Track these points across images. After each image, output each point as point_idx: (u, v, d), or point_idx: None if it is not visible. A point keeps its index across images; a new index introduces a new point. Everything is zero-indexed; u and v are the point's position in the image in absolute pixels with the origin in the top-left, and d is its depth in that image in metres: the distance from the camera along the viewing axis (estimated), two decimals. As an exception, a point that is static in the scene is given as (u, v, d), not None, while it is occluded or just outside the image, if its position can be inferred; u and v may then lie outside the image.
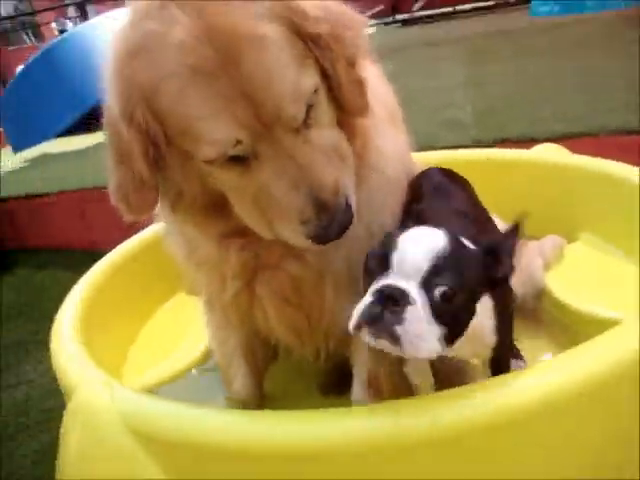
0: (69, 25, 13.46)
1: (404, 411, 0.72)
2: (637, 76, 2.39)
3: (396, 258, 0.69)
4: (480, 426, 0.70)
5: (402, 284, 0.67)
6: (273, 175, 0.77)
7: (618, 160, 1.42)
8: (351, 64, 0.84)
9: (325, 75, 0.82)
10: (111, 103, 0.81)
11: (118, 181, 0.85)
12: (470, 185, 1.13)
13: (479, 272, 0.73)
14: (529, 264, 1.36)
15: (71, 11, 14.96)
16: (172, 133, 0.79)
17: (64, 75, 4.25)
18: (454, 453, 0.72)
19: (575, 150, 1.59)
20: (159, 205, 0.91)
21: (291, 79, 0.75)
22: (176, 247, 1.07)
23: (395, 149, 1.03)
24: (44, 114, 4.30)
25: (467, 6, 10.42)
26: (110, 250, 1.55)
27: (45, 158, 3.55)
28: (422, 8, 11.81)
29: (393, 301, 0.66)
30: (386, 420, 0.71)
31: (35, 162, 3.50)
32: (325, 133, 0.82)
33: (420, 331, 0.66)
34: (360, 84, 0.86)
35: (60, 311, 1.24)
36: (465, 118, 2.32)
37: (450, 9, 10.53)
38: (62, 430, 0.93)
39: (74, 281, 1.29)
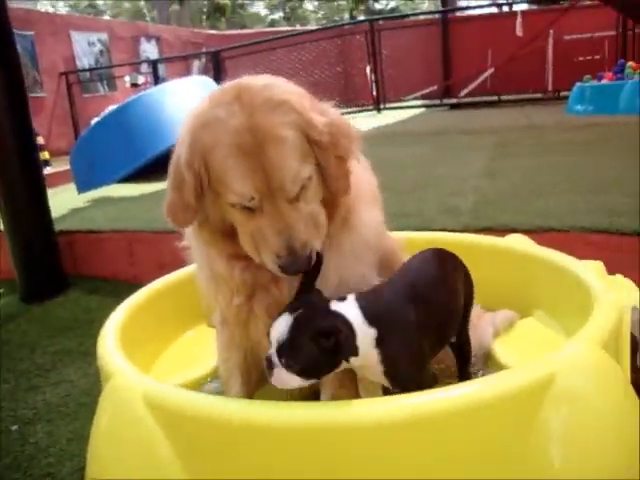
0: (140, 79, 14.56)
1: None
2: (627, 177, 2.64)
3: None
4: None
5: (271, 354, 1.12)
6: (267, 223, 1.17)
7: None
8: (343, 160, 1.26)
9: (320, 167, 1.24)
10: (180, 152, 1.23)
11: (172, 201, 1.27)
12: (459, 267, 1.43)
13: (313, 351, 1.08)
14: (481, 331, 1.66)
15: (144, 67, 16.17)
16: (213, 180, 1.21)
17: (132, 130, 4.86)
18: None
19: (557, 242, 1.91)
20: (192, 228, 1.33)
21: (294, 169, 1.17)
22: (200, 271, 1.45)
23: (372, 220, 1.42)
24: (109, 162, 4.90)
25: (511, 97, 10.93)
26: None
27: (104, 200, 4.05)
28: (470, 94, 12.40)
29: (268, 361, 1.13)
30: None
31: (96, 202, 4.00)
32: (309, 207, 1.22)
33: (282, 379, 1.12)
34: (346, 175, 1.27)
35: (104, 327, 1.57)
36: (464, 206, 2.65)
37: (495, 98, 11.06)
38: (97, 410, 1.26)
39: (114, 306, 1.63)
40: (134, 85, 13.99)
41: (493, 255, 1.90)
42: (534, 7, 15.91)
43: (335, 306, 1.16)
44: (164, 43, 18.00)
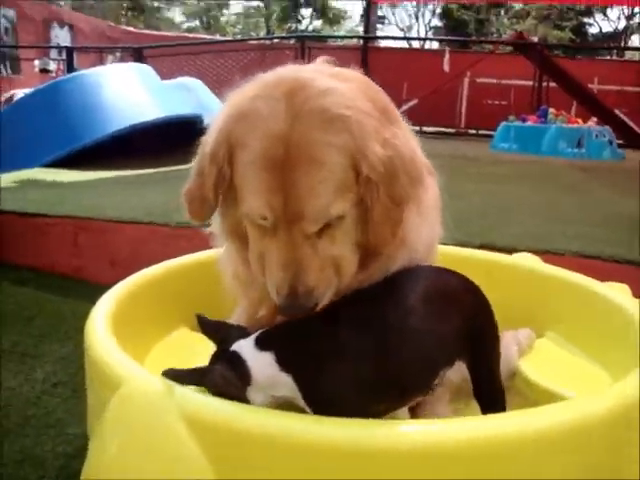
0: (52, 65, 13.63)
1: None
2: (583, 210, 2.75)
3: None
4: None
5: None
6: (275, 249, 0.98)
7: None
8: (395, 204, 1.03)
9: (364, 207, 1.01)
10: (209, 140, 1.05)
11: (192, 187, 1.10)
12: (457, 302, 1.11)
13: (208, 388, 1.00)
14: (505, 350, 1.56)
15: (54, 53, 15.19)
16: (234, 180, 1.02)
17: (66, 112, 4.40)
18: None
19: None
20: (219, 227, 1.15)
21: (323, 203, 0.96)
22: (227, 264, 1.27)
23: (428, 234, 1.21)
24: (36, 143, 4.38)
25: (432, 129, 11.35)
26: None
27: (36, 183, 3.59)
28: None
29: None
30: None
31: (25, 185, 3.54)
32: (335, 247, 1.00)
33: None
34: (396, 223, 1.04)
35: (93, 324, 1.31)
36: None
37: (417, 128, 11.44)
38: (107, 415, 1.00)
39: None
40: (44, 71, 13.09)
41: (506, 274, 1.82)
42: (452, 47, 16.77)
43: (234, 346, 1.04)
44: (78, 32, 17.06)
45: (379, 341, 0.99)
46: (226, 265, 1.28)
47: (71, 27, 16.93)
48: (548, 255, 2.12)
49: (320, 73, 1.06)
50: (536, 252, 2.13)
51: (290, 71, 1.07)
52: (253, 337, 1.03)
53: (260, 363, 1.00)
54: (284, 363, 0.99)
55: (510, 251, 2.03)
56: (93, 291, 2.31)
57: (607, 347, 1.51)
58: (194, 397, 0.97)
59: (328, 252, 0.99)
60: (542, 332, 1.72)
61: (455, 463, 0.86)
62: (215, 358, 1.05)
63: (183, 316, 1.69)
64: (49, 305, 2.25)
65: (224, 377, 1.00)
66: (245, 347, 1.02)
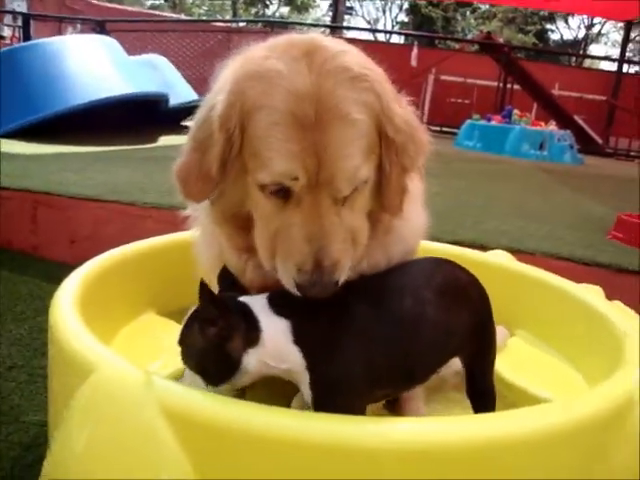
0: (6, 31, 13.04)
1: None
2: (552, 211, 2.78)
3: None
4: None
5: None
6: (299, 221, 0.92)
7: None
8: (404, 171, 1.01)
9: (380, 171, 0.99)
10: (214, 103, 0.96)
11: (186, 164, 1.00)
12: (463, 296, 1.10)
13: (199, 343, 0.94)
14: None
15: (7, 18, 14.54)
16: (246, 149, 0.94)
17: (26, 81, 4.17)
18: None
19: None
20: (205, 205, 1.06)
21: (355, 163, 0.92)
22: (205, 247, 1.19)
23: (420, 223, 1.21)
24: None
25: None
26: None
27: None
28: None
29: None
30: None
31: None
32: (354, 217, 0.97)
33: (191, 379, 1.00)
34: (403, 191, 1.02)
35: (59, 304, 1.21)
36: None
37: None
38: (75, 405, 0.93)
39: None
40: (-1, 37, 12.48)
41: (479, 270, 1.80)
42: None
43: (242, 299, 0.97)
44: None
45: (394, 328, 0.97)
46: (204, 251, 1.21)
47: (29, -7, 16.21)
48: (520, 254, 2.14)
49: (328, 38, 1.01)
50: (508, 250, 2.14)
51: (298, 35, 1.01)
52: (265, 296, 0.97)
53: (274, 328, 0.94)
54: (299, 335, 0.93)
55: (483, 248, 2.03)
56: (51, 270, 2.23)
57: (579, 347, 1.52)
58: (175, 389, 0.91)
59: (350, 222, 0.95)
60: (514, 330, 1.73)
61: (442, 463, 0.83)
62: (218, 304, 0.94)
63: (151, 299, 1.63)
64: (4, 283, 2.12)
65: (231, 326, 0.92)
66: (258, 306, 0.95)
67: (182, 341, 0.98)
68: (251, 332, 0.93)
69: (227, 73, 0.98)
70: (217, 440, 0.84)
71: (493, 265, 1.82)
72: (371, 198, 1.00)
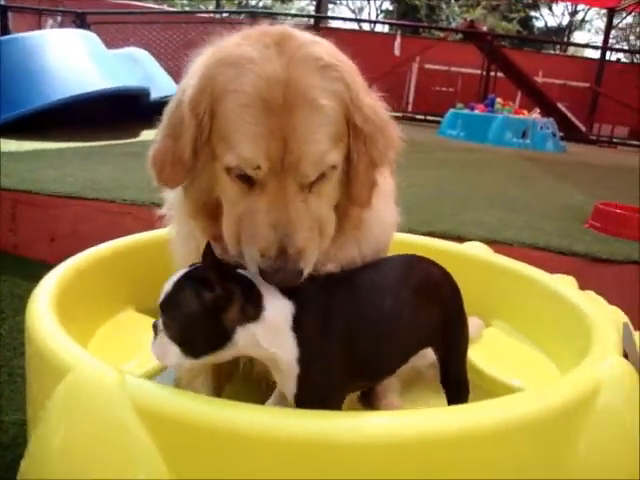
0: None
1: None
2: (531, 200, 2.81)
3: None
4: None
5: (159, 321, 0.95)
6: (264, 206, 0.93)
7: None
8: (373, 165, 1.02)
9: (348, 163, 1.00)
10: (185, 88, 0.98)
11: (161, 150, 1.01)
12: (431, 290, 1.13)
13: (193, 306, 0.90)
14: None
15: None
16: (215, 133, 0.95)
17: (4, 76, 4.09)
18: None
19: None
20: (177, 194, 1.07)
21: (322, 148, 0.93)
22: (181, 245, 1.20)
23: (392, 220, 1.23)
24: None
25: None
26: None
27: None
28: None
29: (154, 330, 0.96)
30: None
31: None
32: (321, 205, 0.97)
33: (162, 350, 0.94)
34: (372, 185, 1.03)
35: (32, 300, 1.23)
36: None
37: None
38: (51, 405, 0.94)
39: None
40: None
41: (455, 262, 1.82)
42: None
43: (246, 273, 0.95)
44: (15, -10, 16.02)
45: (371, 326, 1.00)
46: (180, 249, 1.22)
47: (7, -15, 15.90)
48: (497, 245, 2.17)
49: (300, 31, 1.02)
50: (486, 241, 2.17)
51: (271, 26, 1.03)
52: None
53: (277, 308, 0.92)
54: (298, 321, 0.93)
55: (460, 239, 2.06)
56: (32, 269, 2.23)
57: (552, 337, 1.56)
58: (148, 387, 0.92)
59: (316, 210, 0.96)
60: (490, 321, 1.76)
61: (416, 455, 0.86)
62: (221, 269, 0.90)
63: (129, 297, 1.64)
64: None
65: (230, 295, 0.89)
66: (264, 284, 0.93)
67: (167, 303, 0.92)
68: (252, 306, 0.91)
69: (200, 60, 1.00)
70: (189, 437, 0.86)
71: (469, 257, 1.85)
72: (339, 190, 1.01)
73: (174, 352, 0.93)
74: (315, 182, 0.95)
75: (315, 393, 0.94)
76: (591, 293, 1.63)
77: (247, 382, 1.30)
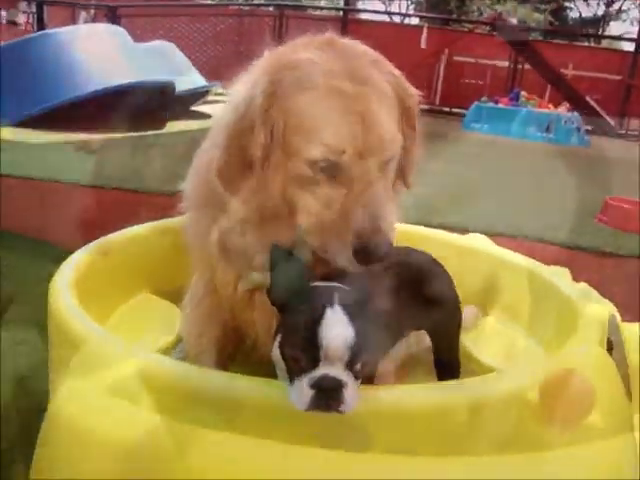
0: (21, 18, 13.13)
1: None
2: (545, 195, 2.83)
3: (322, 349, 0.85)
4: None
5: (334, 373, 0.85)
6: (352, 190, 0.98)
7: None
8: (418, 148, 1.13)
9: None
10: (252, 96, 1.02)
11: (227, 162, 1.04)
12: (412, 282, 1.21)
13: (375, 322, 0.92)
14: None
15: (22, 5, 14.60)
16: (290, 130, 1.00)
17: (37, 70, 4.31)
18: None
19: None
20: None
21: (394, 129, 1.03)
22: (198, 236, 1.26)
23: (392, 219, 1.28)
24: (4, 101, 4.28)
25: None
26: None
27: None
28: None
29: (332, 390, 0.85)
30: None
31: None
32: (388, 186, 1.06)
33: (352, 399, 0.85)
34: (416, 161, 1.14)
35: (54, 282, 1.35)
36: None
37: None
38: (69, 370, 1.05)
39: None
40: (11, 22, 12.56)
41: (456, 253, 1.89)
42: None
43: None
44: (49, -15, 16.31)
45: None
46: (197, 237, 1.28)
47: (42, -21, 16.20)
48: (501, 237, 2.23)
49: None
50: (490, 234, 2.23)
51: (313, 35, 1.11)
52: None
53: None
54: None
55: (467, 231, 2.12)
56: (57, 254, 2.35)
57: (543, 326, 1.62)
58: (154, 358, 1.04)
59: (386, 189, 1.04)
60: (488, 311, 1.83)
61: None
62: None
63: (146, 281, 1.75)
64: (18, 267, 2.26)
65: None
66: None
67: (358, 338, 0.87)
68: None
69: (255, 71, 1.07)
70: (189, 402, 0.95)
71: (469, 248, 1.92)
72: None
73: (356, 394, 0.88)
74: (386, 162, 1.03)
75: None
76: (584, 285, 1.68)
77: (249, 364, 1.36)
